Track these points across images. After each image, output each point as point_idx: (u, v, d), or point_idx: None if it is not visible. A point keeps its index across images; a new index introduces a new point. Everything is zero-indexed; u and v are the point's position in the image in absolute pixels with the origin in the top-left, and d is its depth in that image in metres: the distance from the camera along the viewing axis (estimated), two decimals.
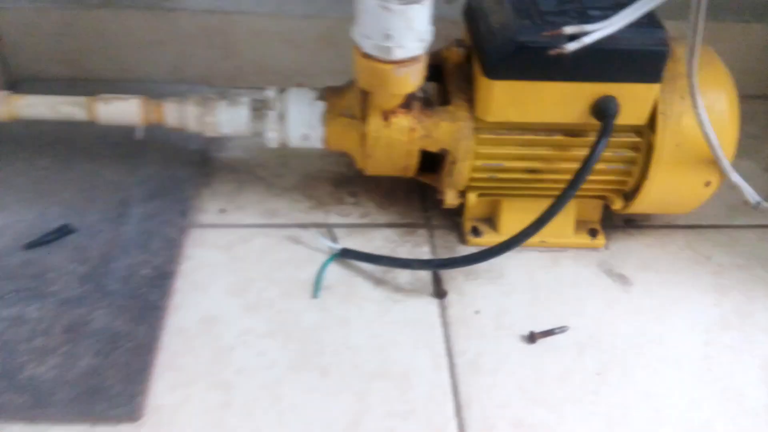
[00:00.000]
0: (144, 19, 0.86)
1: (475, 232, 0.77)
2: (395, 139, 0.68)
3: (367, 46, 0.61)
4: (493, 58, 0.64)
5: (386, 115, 0.68)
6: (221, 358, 0.64)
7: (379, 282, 0.72)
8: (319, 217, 0.79)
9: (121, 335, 0.63)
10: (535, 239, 0.68)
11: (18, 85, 0.89)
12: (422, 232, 0.78)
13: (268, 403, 0.60)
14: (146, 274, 0.68)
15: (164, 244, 0.71)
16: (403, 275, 0.73)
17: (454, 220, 0.80)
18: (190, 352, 0.64)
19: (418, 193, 0.83)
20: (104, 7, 0.85)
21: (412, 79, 0.64)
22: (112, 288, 0.66)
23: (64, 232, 0.70)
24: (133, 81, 0.91)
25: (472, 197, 0.73)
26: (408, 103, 0.68)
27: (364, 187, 0.82)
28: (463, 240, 0.77)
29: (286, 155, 0.86)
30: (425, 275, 0.73)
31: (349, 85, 0.72)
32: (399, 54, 0.61)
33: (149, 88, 0.89)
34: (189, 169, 0.81)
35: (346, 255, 0.72)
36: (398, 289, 0.71)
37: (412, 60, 0.62)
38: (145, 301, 0.66)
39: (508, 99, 0.65)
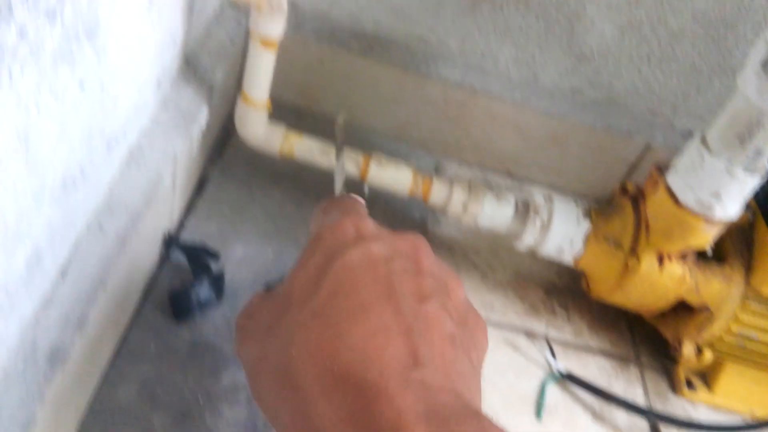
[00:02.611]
0: (395, 75, 0.86)
1: (689, 384, 0.76)
2: (661, 284, 0.67)
3: (687, 198, 0.61)
4: None
5: (661, 259, 0.67)
6: None
7: (597, 416, 0.70)
8: (533, 325, 0.77)
9: None
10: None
11: None
12: (634, 370, 0.77)
13: None
14: None
15: None
16: (621, 415, 0.71)
17: (662, 361, 0.79)
18: None
19: (625, 320, 0.81)
20: (363, 55, 0.85)
21: (713, 238, 0.63)
22: None
23: None
24: (355, 128, 0.91)
25: (708, 354, 0.72)
26: (686, 253, 0.67)
27: (574, 303, 0.81)
28: (674, 389, 0.76)
29: (496, 244, 0.85)
30: (641, 421, 0.71)
31: (615, 211, 0.71)
32: (719, 215, 0.60)
33: (369, 140, 0.89)
34: None
35: (569, 379, 0.71)
36: (616, 429, 0.70)
37: (725, 223, 0.61)
38: None
39: None
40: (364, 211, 0.47)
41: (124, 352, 0.59)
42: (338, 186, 0.64)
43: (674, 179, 0.61)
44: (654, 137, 0.89)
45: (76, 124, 0.44)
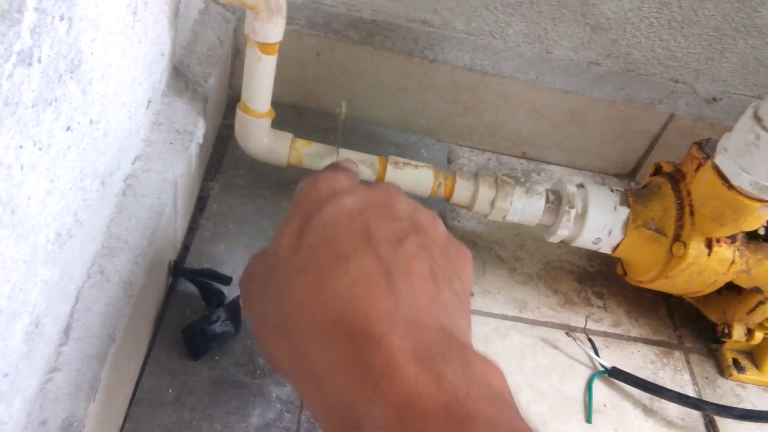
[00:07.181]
0: (399, 63, 0.79)
1: (737, 365, 0.72)
2: (710, 269, 0.63)
3: (741, 181, 0.55)
4: None
5: (710, 243, 0.62)
6: None
7: (647, 411, 0.66)
8: (570, 317, 0.73)
9: None
10: None
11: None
12: (679, 355, 0.73)
13: None
14: None
15: None
16: (672, 407, 0.67)
17: (706, 344, 0.75)
18: None
19: (665, 304, 0.77)
20: (363, 44, 0.78)
21: (765, 220, 0.59)
22: None
23: None
24: (358, 121, 0.85)
25: (759, 335, 0.68)
26: (735, 234, 0.62)
27: (609, 289, 0.77)
28: (722, 372, 0.72)
29: (521, 234, 0.80)
30: (694, 410, 0.67)
31: (653, 193, 0.66)
32: None
33: (374, 132, 0.84)
34: None
35: (615, 375, 0.67)
36: (670, 423, 0.66)
37: None
38: None
39: None
40: (346, 171, 0.47)
41: (139, 401, 0.54)
42: None
43: (724, 160, 0.56)
44: (677, 106, 0.83)
45: (65, 171, 0.38)
